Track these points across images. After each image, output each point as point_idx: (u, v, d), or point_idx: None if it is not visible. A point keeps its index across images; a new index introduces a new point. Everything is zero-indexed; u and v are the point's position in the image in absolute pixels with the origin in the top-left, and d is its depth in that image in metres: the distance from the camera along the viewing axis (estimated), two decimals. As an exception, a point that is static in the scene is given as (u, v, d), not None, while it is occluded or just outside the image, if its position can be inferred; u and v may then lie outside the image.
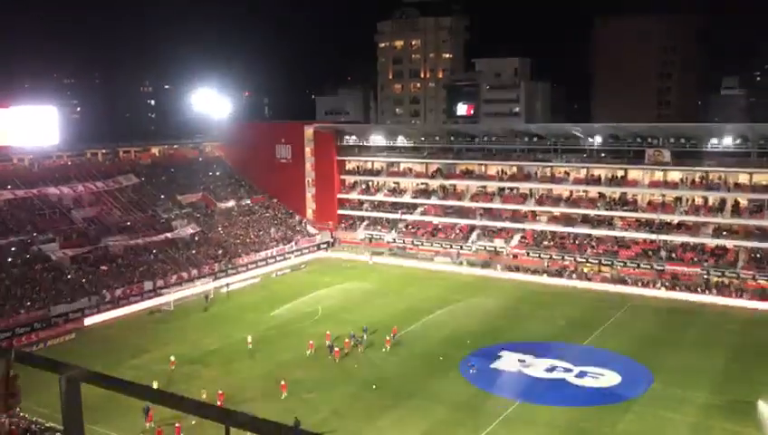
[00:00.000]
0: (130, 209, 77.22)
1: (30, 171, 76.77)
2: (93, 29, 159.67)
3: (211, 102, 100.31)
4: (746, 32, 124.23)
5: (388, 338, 53.06)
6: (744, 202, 71.97)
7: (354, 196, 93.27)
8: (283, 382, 44.05)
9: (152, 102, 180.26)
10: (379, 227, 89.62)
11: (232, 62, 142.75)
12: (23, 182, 73.18)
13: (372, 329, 55.18)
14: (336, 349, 50.36)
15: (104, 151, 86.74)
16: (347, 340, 52.47)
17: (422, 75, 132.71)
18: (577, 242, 77.57)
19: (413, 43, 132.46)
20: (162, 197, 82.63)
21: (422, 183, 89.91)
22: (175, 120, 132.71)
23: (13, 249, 64.33)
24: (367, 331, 54.05)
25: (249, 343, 52.63)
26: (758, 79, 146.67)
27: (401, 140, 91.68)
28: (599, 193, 79.26)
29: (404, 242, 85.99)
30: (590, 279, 72.54)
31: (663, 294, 67.96)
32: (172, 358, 48.99)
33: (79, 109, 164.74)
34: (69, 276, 63.88)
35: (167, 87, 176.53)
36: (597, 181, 79.41)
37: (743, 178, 72.61)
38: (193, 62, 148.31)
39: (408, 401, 43.61)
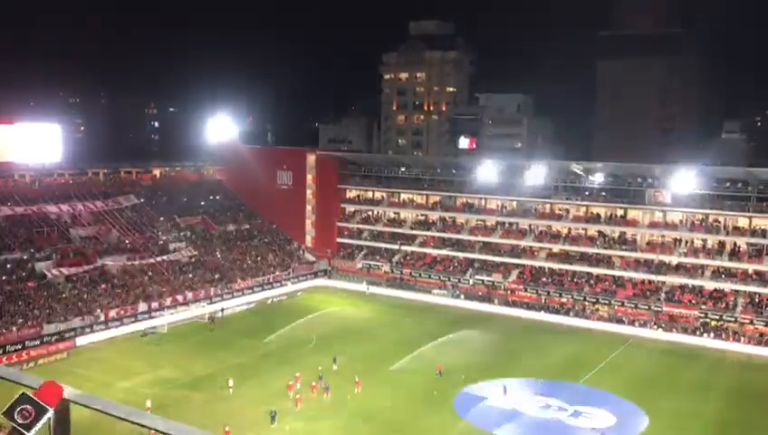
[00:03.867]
0: (129, 230, 77.05)
1: (30, 188, 76.78)
2: (100, 49, 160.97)
3: (217, 125, 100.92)
4: (748, 76, 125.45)
5: (358, 380, 49.78)
6: (743, 246, 71.94)
7: (354, 224, 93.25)
8: (227, 428, 39.70)
9: (156, 124, 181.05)
10: (377, 257, 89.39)
11: (237, 86, 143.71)
12: (22, 199, 73.10)
13: (364, 359, 54.60)
14: (298, 396, 46.50)
15: (105, 171, 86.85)
16: (313, 383, 48.94)
17: (426, 107, 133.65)
18: (575, 280, 77.33)
19: (418, 75, 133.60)
20: (161, 219, 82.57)
21: (422, 214, 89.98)
22: (178, 143, 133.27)
23: (8, 266, 64.10)
24: (323, 378, 49.62)
25: (230, 387, 48.53)
26: (759, 124, 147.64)
27: (402, 171, 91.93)
28: (598, 231, 79.26)
29: (402, 273, 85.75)
30: (587, 317, 72.21)
31: (660, 335, 67.57)
32: (149, 403, 43.83)
33: (83, 128, 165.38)
34: (64, 295, 63.50)
35: (171, 109, 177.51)
36: (596, 219, 79.47)
37: (742, 222, 72.67)
38: (198, 86, 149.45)
39: (397, 434, 43.03)
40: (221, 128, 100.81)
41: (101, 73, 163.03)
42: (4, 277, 62.35)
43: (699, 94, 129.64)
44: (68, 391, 3.92)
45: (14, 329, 56.39)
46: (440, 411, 46.69)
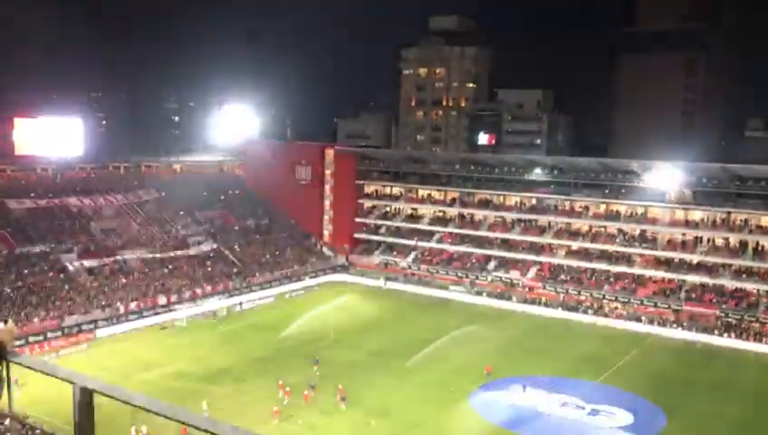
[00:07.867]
0: (149, 223, 77.72)
1: (53, 181, 77.70)
2: (123, 44, 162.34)
3: (237, 119, 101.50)
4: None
5: (341, 386, 47.03)
6: (766, 245, 71.01)
7: (371, 220, 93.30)
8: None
9: (176, 119, 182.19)
10: (394, 253, 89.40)
11: (256, 82, 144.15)
12: (45, 192, 73.99)
13: (381, 355, 54.62)
14: (276, 408, 43.52)
15: (126, 165, 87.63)
16: (306, 392, 46.58)
17: (444, 103, 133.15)
18: (594, 277, 76.81)
19: (437, 71, 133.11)
20: (181, 212, 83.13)
21: (440, 210, 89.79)
22: (198, 138, 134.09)
23: (31, 258, 64.87)
24: (314, 387, 47.61)
25: (205, 411, 41.48)
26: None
27: (421, 167, 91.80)
28: (618, 229, 78.61)
29: (419, 269, 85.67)
30: (606, 315, 71.71)
31: (679, 334, 66.91)
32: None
33: (104, 122, 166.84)
34: (85, 287, 64.20)
35: (191, 104, 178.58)
36: (616, 217, 78.83)
37: (765, 221, 71.75)
38: (218, 81, 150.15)
39: (414, 430, 43.07)
40: (241, 122, 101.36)
41: (123, 68, 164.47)
42: (26, 270, 63.12)
43: (723, 91, 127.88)
44: (92, 382, 3.95)
45: (36, 320, 57.14)
46: (457, 408, 46.62)
